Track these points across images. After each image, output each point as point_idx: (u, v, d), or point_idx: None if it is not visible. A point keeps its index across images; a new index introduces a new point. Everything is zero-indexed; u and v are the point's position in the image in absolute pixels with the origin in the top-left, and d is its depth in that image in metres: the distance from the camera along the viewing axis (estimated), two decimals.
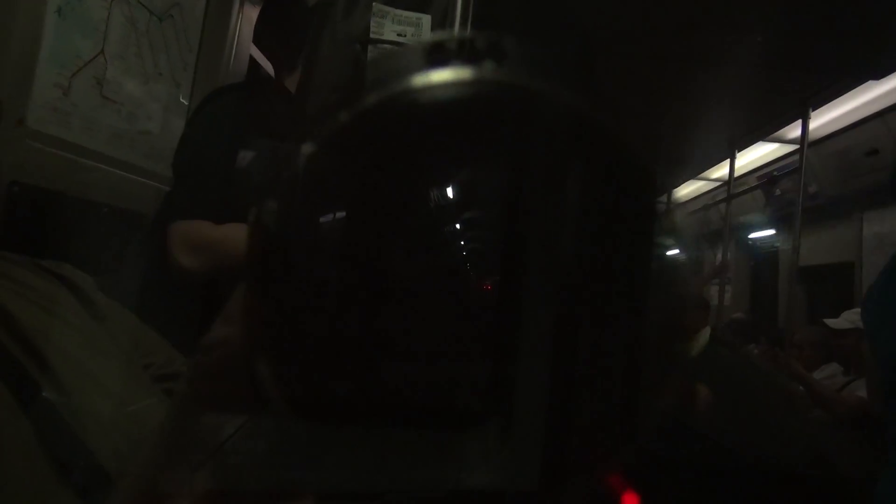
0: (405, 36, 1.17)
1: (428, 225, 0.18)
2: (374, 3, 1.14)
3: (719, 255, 5.00)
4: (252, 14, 1.79)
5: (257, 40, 1.84)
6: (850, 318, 2.93)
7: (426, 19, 1.18)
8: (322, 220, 0.20)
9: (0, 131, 1.02)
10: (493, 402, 0.21)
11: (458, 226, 0.18)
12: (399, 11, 1.17)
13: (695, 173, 4.79)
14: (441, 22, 1.18)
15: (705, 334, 4.92)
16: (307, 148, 0.19)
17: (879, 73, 2.60)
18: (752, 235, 5.01)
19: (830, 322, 2.98)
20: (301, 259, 0.20)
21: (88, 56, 1.19)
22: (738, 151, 4.04)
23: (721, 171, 4.53)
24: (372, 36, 1.14)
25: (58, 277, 0.64)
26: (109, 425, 0.52)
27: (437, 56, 0.17)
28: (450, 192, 0.18)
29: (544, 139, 0.17)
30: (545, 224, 0.17)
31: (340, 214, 0.19)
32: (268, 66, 1.95)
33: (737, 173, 4.16)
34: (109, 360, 0.60)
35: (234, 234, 1.15)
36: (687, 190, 5.39)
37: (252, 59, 1.86)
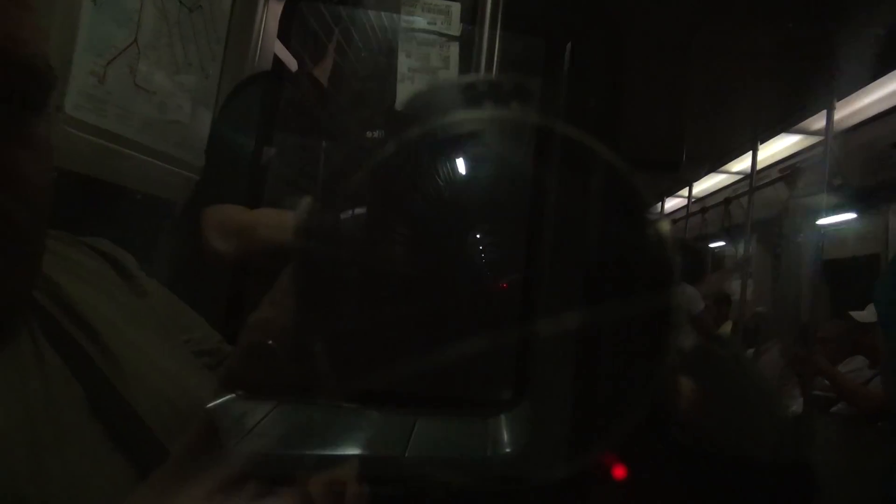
0: (435, 24, 1.18)
1: (461, 242, 0.21)
2: None
3: (741, 250, 4.97)
4: (277, 8, 1.81)
5: (282, 34, 1.86)
6: (874, 311, 2.90)
7: (455, 7, 1.19)
8: (376, 224, 0.22)
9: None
10: (520, 392, 0.22)
11: (482, 238, 0.20)
12: (428, 0, 1.18)
13: (716, 166, 4.75)
14: (472, 9, 1.19)
15: (727, 328, 4.90)
16: (365, 168, 0.22)
17: None
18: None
19: (856, 315, 2.95)
20: (351, 256, 0.22)
21: (123, 45, 1.21)
22: (761, 143, 4.01)
23: (743, 163, 4.50)
24: (403, 24, 1.15)
25: (100, 254, 0.65)
26: (158, 396, 0.54)
27: (469, 95, 0.20)
28: (479, 212, 0.20)
29: (560, 167, 0.20)
30: (561, 233, 0.20)
31: (391, 220, 0.21)
32: (291, 63, 1.97)
33: (759, 166, 4.13)
34: (154, 333, 0.61)
35: (267, 219, 1.17)
36: (708, 183, 5.35)
37: (275, 56, 1.88)
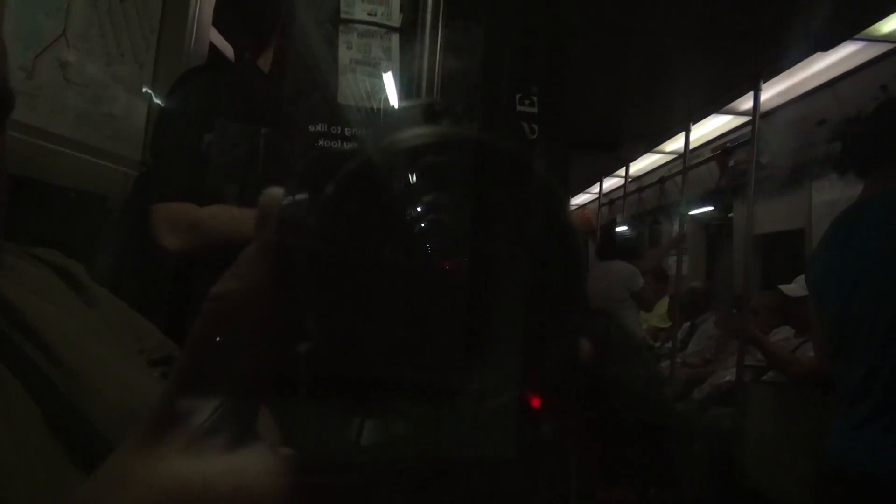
0: (375, 15, 1.18)
1: (405, 225, 0.25)
2: None
3: (676, 227, 5.13)
4: None
5: (218, 22, 1.82)
6: (802, 285, 3.05)
7: None
8: (330, 212, 0.25)
9: None
10: (466, 374, 0.25)
11: (425, 224, 0.25)
12: None
13: (652, 146, 4.88)
14: (410, 6, 1.19)
15: (664, 303, 5.07)
16: (331, 186, 0.25)
17: (827, 45, 2.69)
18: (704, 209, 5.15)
19: (784, 288, 3.10)
20: (310, 239, 0.25)
21: (51, 37, 1.16)
22: (693, 124, 4.14)
23: (676, 143, 4.64)
24: (343, 16, 1.15)
25: (47, 264, 0.64)
26: (118, 409, 0.53)
27: (423, 114, 0.26)
28: (424, 200, 0.25)
29: (482, 171, 0.25)
30: (491, 222, 0.24)
31: (355, 225, 0.25)
32: (227, 50, 1.93)
33: (692, 146, 4.26)
34: (108, 345, 0.60)
35: (218, 215, 1.15)
36: (644, 163, 5.49)
37: (212, 44, 1.83)
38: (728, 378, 3.36)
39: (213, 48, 1.85)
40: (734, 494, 2.89)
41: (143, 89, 1.48)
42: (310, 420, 0.27)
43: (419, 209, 0.24)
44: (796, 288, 3.05)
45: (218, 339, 0.27)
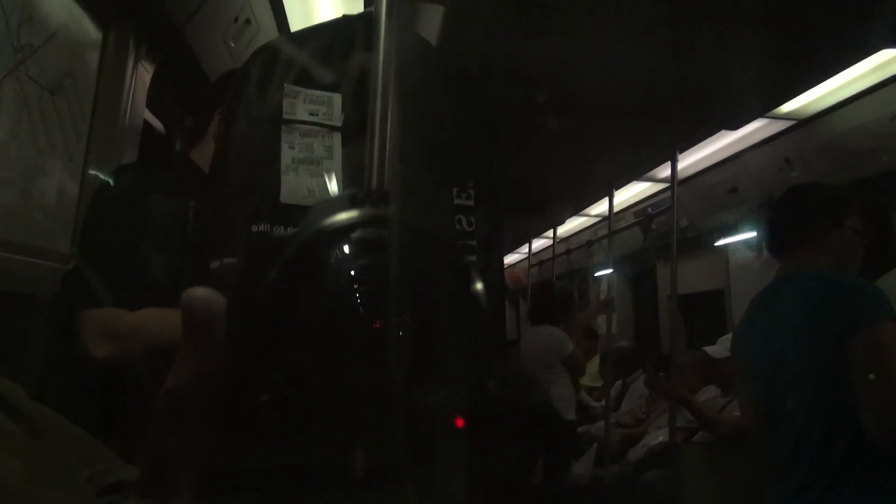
0: (317, 115, 1.20)
1: (339, 291, 0.28)
2: (285, 85, 1.17)
3: (604, 288, 5.29)
4: (145, 77, 1.76)
5: (152, 104, 1.81)
6: (725, 346, 3.18)
7: (337, 98, 1.21)
8: (286, 301, 0.27)
9: None
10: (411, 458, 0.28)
11: (357, 294, 0.28)
12: (310, 91, 1.19)
13: (578, 210, 5.05)
14: (352, 97, 1.22)
15: (595, 362, 5.16)
16: (275, 271, 0.27)
17: (736, 125, 2.89)
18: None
19: (710, 350, 3.22)
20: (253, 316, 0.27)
21: None
22: (616, 189, 4.33)
23: (601, 207, 4.82)
24: (285, 116, 1.16)
25: None
26: None
27: (351, 202, 0.30)
28: (353, 271, 0.29)
29: (405, 245, 0.29)
30: (407, 285, 0.28)
31: (300, 296, 0.27)
32: (160, 127, 1.91)
33: (616, 209, 4.44)
34: (53, 486, 0.58)
35: (148, 320, 1.12)
36: (571, 225, 5.67)
37: (146, 124, 1.82)
38: (661, 439, 3.43)
39: (147, 128, 1.84)
40: None
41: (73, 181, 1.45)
42: None
43: (351, 281, 0.27)
44: (720, 349, 3.18)
45: (171, 433, 0.28)
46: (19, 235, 1.26)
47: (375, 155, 1.09)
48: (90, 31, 1.50)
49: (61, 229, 1.39)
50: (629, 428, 3.97)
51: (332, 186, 1.23)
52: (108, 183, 1.27)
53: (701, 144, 3.44)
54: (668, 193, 3.64)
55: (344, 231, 0.29)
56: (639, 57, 2.27)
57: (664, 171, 3.82)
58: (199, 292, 0.30)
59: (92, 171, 1.49)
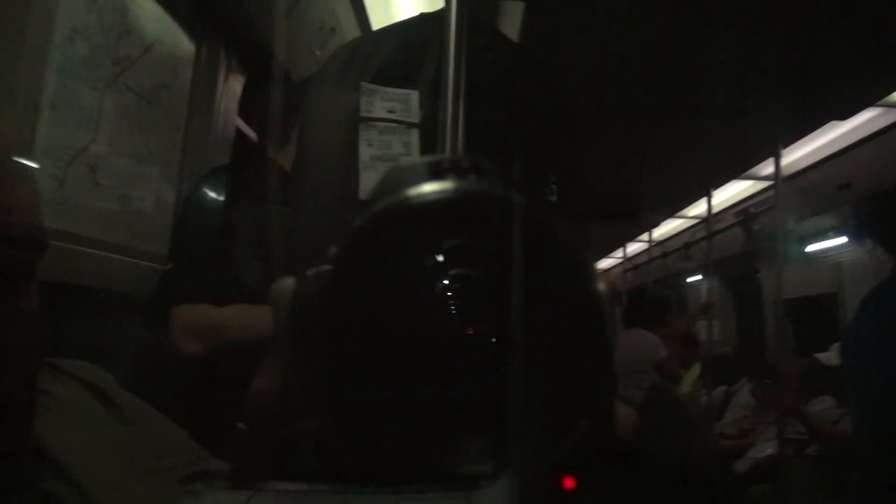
0: (395, 112, 1.20)
1: (426, 291, 0.24)
2: (362, 83, 1.18)
3: (703, 292, 5.06)
4: (236, 86, 1.83)
5: (242, 113, 1.88)
6: (839, 352, 2.96)
7: (414, 95, 1.21)
8: (351, 295, 0.24)
9: None
10: (500, 463, 0.24)
11: (448, 292, 0.23)
12: (387, 89, 1.20)
13: (674, 212, 4.87)
14: (430, 95, 1.21)
15: (696, 370, 4.95)
16: (343, 239, 0.24)
17: (845, 114, 2.70)
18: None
19: (822, 357, 3.01)
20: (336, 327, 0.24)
21: (82, 145, 1.20)
22: (715, 189, 4.14)
23: (700, 208, 4.62)
24: (363, 114, 1.17)
25: (80, 381, 0.64)
26: None
27: (435, 171, 0.25)
28: (444, 265, 0.24)
29: (502, 227, 0.23)
30: (517, 288, 0.22)
31: (367, 289, 0.24)
32: (252, 135, 1.99)
33: (716, 209, 4.25)
34: (140, 471, 0.60)
35: (235, 317, 1.16)
36: (667, 228, 5.47)
37: (238, 131, 1.89)
38: (769, 451, 3.23)
39: (238, 136, 1.91)
40: None
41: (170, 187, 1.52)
42: None
43: (443, 275, 0.22)
44: (833, 356, 2.96)
45: (261, 431, 0.28)
46: (120, 238, 1.32)
47: (448, 151, 1.08)
48: (183, 43, 1.57)
49: (159, 232, 1.46)
50: (734, 439, 3.77)
51: None
52: (199, 186, 1.32)
53: (807, 138, 3.23)
54: (772, 192, 3.45)
55: (429, 205, 0.24)
56: (735, 46, 2.15)
57: (767, 167, 3.62)
58: (289, 283, 0.28)
59: (187, 179, 1.56)
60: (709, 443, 3.30)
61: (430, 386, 0.24)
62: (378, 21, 2.08)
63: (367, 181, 1.20)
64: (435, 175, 0.25)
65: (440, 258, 0.24)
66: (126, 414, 0.65)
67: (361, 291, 0.24)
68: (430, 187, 0.24)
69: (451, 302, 0.23)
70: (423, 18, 1.23)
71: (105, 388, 0.66)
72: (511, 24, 1.87)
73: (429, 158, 0.28)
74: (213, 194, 1.29)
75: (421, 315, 0.24)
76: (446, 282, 0.24)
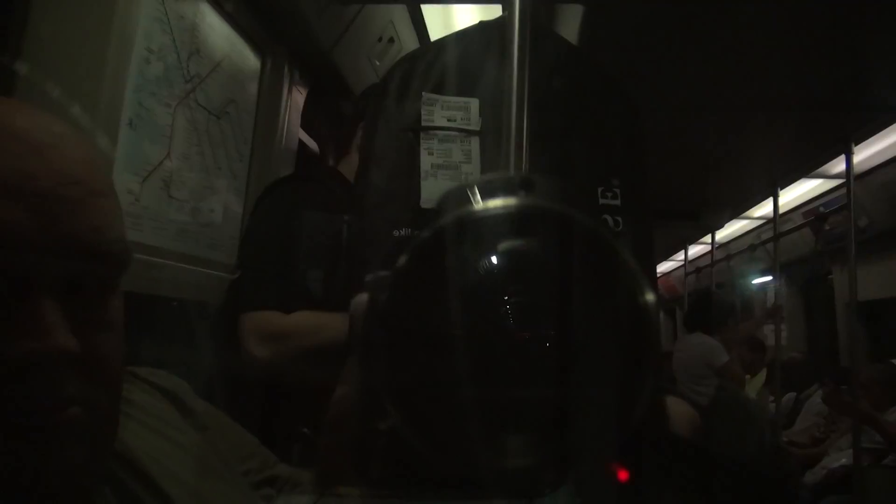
0: (455, 121, 1.21)
1: (486, 299, 0.25)
2: (423, 93, 1.19)
3: (770, 296, 4.90)
4: (299, 99, 1.87)
5: (305, 125, 1.93)
6: None
7: (474, 103, 1.22)
8: (418, 303, 0.25)
9: None
10: (562, 471, 0.24)
11: (505, 297, 0.24)
12: (447, 98, 1.21)
13: (738, 213, 4.73)
14: (491, 102, 1.22)
15: (762, 375, 4.79)
16: (405, 255, 0.25)
17: None
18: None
19: None
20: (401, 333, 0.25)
21: (156, 160, 1.26)
22: (781, 189, 4.00)
23: (765, 209, 4.48)
24: (423, 123, 1.19)
25: (157, 388, 0.66)
26: None
27: (497, 187, 0.26)
28: (502, 275, 0.25)
29: (557, 240, 0.24)
30: (572, 298, 0.23)
31: (433, 296, 0.25)
32: (314, 146, 2.03)
33: (782, 210, 4.11)
34: (215, 476, 0.62)
35: (304, 323, 1.19)
36: (731, 229, 5.32)
37: (301, 143, 1.94)
38: (843, 461, 3.10)
39: (301, 147, 1.96)
40: None
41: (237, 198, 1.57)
42: None
43: (500, 283, 0.24)
44: None
45: (341, 438, 0.29)
46: (191, 249, 1.38)
47: (512, 158, 1.08)
48: (249, 59, 1.62)
49: (227, 242, 1.51)
50: (805, 448, 3.64)
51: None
52: (265, 196, 1.36)
53: (881, 133, 3.09)
54: (843, 190, 3.31)
55: (486, 219, 0.26)
56: (803, 37, 2.08)
57: (838, 165, 3.48)
58: (364, 297, 0.29)
59: (253, 190, 1.61)
60: (773, 447, 3.18)
61: (489, 389, 0.25)
62: (436, 30, 2.10)
63: (428, 190, 1.21)
64: (497, 191, 0.28)
65: (500, 268, 0.25)
66: (201, 420, 0.67)
67: (426, 299, 0.26)
68: (492, 203, 0.26)
69: (510, 309, 0.25)
70: (482, 27, 1.24)
71: (181, 395, 0.68)
72: (570, 27, 1.86)
73: (492, 176, 0.30)
74: (278, 204, 1.32)
75: (481, 321, 0.25)
76: (505, 291, 0.25)
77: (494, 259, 0.25)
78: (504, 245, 0.25)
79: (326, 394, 0.56)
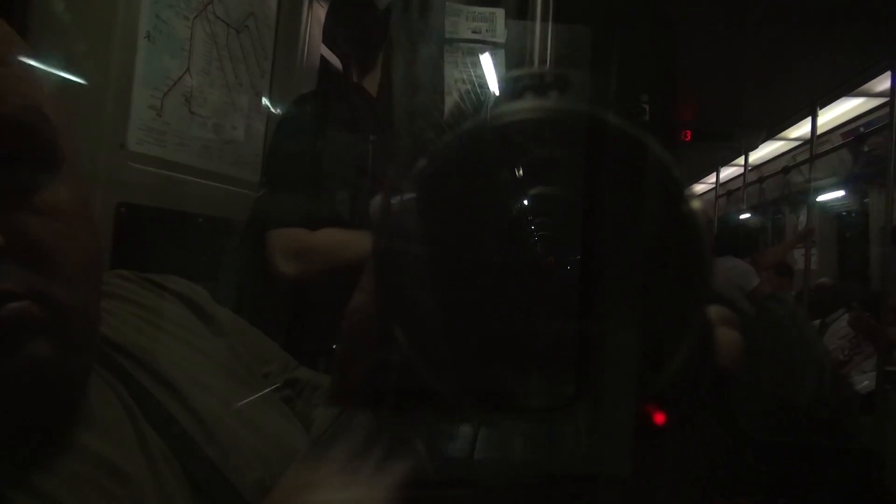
0: (480, 32, 1.17)
1: (511, 216, 0.23)
2: (447, 3, 1.15)
3: (803, 219, 4.81)
4: (320, 13, 1.82)
5: (327, 39, 1.88)
6: None
7: (500, 13, 1.17)
8: (437, 212, 0.24)
9: (105, 155, 1.09)
10: (581, 387, 0.24)
11: (531, 217, 0.23)
12: (472, 8, 1.17)
13: (773, 134, 4.59)
14: (516, 13, 1.17)
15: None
16: (426, 159, 0.24)
17: None
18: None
19: None
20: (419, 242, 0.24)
21: (176, 75, 1.24)
22: (821, 108, 3.85)
23: (802, 129, 4.33)
24: (448, 35, 1.15)
25: (173, 293, 0.66)
26: (251, 453, 0.54)
27: (518, 88, 0.24)
28: (525, 185, 0.23)
29: (594, 149, 0.22)
30: (603, 212, 0.22)
31: (451, 208, 0.23)
32: (337, 63, 1.99)
33: (819, 131, 3.97)
34: (235, 379, 0.62)
35: (329, 240, 1.19)
36: (765, 151, 5.18)
37: (323, 59, 1.89)
38: (866, 384, 3.11)
39: (323, 62, 1.92)
40: None
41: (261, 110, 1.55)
42: (426, 434, 0.27)
43: (525, 200, 0.22)
44: None
45: (356, 350, 0.29)
46: (215, 166, 1.38)
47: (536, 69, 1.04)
48: None
49: (250, 160, 1.50)
50: None
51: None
52: (289, 113, 1.35)
53: None
54: (886, 110, 3.18)
55: (508, 126, 0.24)
56: None
57: (882, 83, 3.32)
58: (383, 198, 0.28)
59: (276, 107, 1.59)
60: (832, 382, 2.80)
61: (508, 314, 0.24)
62: None
63: (453, 104, 1.19)
64: (518, 92, 0.25)
65: (522, 179, 0.23)
66: (221, 326, 0.67)
67: (444, 212, 0.24)
68: (512, 106, 0.23)
69: (533, 227, 0.23)
70: None
71: (201, 302, 0.68)
72: None
73: (513, 73, 0.26)
74: (303, 122, 1.31)
75: (500, 241, 0.23)
76: (527, 204, 0.23)
77: (520, 172, 0.23)
78: (532, 157, 0.23)
79: None
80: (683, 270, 0.22)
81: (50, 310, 0.41)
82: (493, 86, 1.19)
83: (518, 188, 0.24)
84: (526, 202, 0.24)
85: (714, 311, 0.24)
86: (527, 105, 0.24)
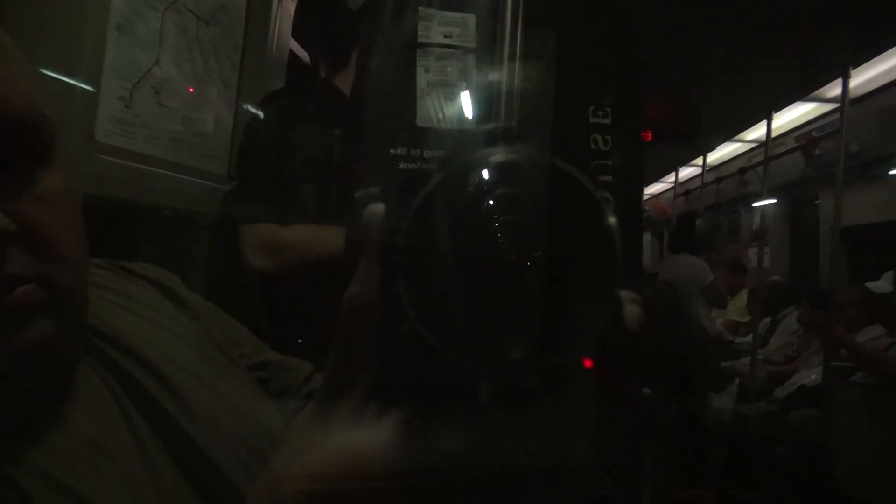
0: (452, 37, 1.19)
1: (481, 228, 0.29)
2: (420, 8, 1.16)
3: (756, 219, 4.95)
4: (290, 7, 1.82)
5: (296, 34, 1.88)
6: (890, 280, 2.90)
7: (471, 19, 1.20)
8: (425, 223, 0.29)
9: (73, 147, 1.08)
10: (543, 378, 0.28)
11: (497, 223, 0.29)
12: (445, 13, 1.19)
13: (731, 135, 4.72)
14: (488, 18, 1.20)
15: (742, 297, 4.92)
16: (423, 191, 0.29)
17: None
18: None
19: (872, 286, 2.96)
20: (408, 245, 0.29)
21: (146, 67, 1.23)
22: (776, 112, 3.98)
23: (758, 132, 4.46)
24: (420, 39, 1.17)
25: (148, 280, 0.67)
26: (230, 432, 0.56)
27: (488, 138, 0.30)
28: (496, 209, 0.29)
29: (547, 186, 0.28)
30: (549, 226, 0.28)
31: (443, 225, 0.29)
32: (305, 57, 1.99)
33: (775, 134, 4.09)
34: (211, 360, 0.63)
35: (302, 237, 1.21)
36: (722, 152, 5.31)
37: (292, 53, 1.89)
38: (813, 378, 3.24)
39: (293, 57, 1.92)
40: (821, 499, 2.80)
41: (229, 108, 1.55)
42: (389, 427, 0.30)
43: (493, 214, 0.28)
44: (884, 284, 2.91)
45: (351, 337, 0.31)
46: (183, 158, 1.37)
47: (505, 75, 1.08)
48: None
49: (219, 152, 1.50)
50: (778, 365, 3.78)
51: (468, 109, 1.24)
52: (262, 107, 1.35)
53: (879, 58, 3.06)
54: (837, 115, 3.30)
55: (483, 166, 0.31)
56: None
57: (834, 89, 3.45)
58: (378, 208, 0.33)
59: (244, 100, 1.59)
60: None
61: (482, 298, 0.31)
62: None
63: (424, 107, 1.21)
64: (491, 141, 0.33)
65: (492, 204, 0.31)
66: (194, 310, 0.68)
67: (438, 227, 0.30)
68: (487, 152, 0.30)
69: (500, 235, 0.31)
70: None
71: (174, 287, 0.68)
72: None
73: (487, 126, 0.34)
74: (276, 117, 1.31)
75: (476, 246, 0.30)
76: (496, 221, 0.31)
77: (491, 201, 0.30)
78: (498, 191, 0.31)
79: (323, 304, 0.58)
80: (602, 266, 0.29)
81: (51, 292, 0.44)
82: (464, 91, 1.22)
83: (489, 209, 0.30)
84: (494, 219, 0.30)
85: (624, 293, 0.31)
86: (500, 152, 0.31)
